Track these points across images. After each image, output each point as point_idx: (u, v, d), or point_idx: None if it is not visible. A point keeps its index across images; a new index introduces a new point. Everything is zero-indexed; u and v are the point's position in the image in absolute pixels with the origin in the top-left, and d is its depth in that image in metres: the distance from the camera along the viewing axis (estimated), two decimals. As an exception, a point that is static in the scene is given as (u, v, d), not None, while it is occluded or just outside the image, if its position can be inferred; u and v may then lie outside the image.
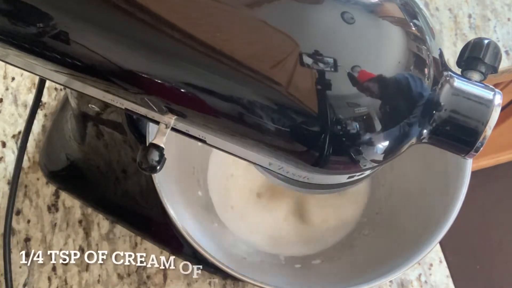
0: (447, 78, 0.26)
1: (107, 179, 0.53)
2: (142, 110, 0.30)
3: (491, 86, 0.26)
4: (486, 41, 0.27)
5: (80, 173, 0.55)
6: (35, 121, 0.51)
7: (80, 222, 0.54)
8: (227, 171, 0.55)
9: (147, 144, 0.28)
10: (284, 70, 0.23)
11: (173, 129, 0.29)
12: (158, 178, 0.41)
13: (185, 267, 0.51)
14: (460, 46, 0.61)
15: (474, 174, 0.44)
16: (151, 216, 0.52)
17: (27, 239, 0.53)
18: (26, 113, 0.58)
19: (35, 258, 0.52)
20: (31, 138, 0.56)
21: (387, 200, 0.51)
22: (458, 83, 0.26)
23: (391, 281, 0.53)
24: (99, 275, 0.52)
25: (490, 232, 1.24)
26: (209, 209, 0.53)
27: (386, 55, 0.24)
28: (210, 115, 0.25)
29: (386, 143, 0.25)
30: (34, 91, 0.55)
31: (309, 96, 0.23)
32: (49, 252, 0.52)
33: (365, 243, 0.50)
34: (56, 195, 0.55)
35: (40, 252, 0.52)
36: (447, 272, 0.53)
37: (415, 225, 0.45)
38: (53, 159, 0.55)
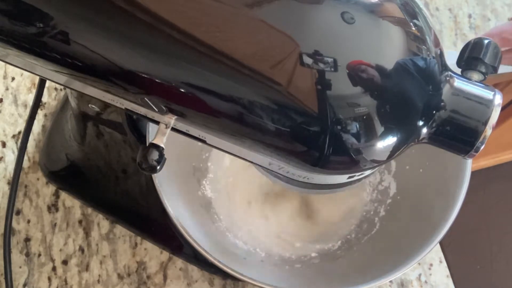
0: (447, 78, 0.26)
1: (107, 179, 0.53)
2: (142, 110, 0.30)
3: (491, 86, 0.26)
4: (486, 41, 0.27)
5: (80, 173, 0.55)
6: (35, 121, 0.51)
7: (80, 222, 0.54)
8: (227, 171, 0.55)
9: (147, 144, 0.28)
10: (284, 70, 0.23)
11: (173, 129, 0.29)
12: (158, 178, 0.41)
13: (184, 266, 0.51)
14: (460, 46, 0.61)
15: (474, 174, 0.44)
16: (151, 216, 0.52)
17: (27, 239, 0.53)
18: (26, 113, 0.58)
19: (35, 258, 0.52)
20: (31, 138, 0.56)
21: (387, 200, 0.52)
22: (458, 83, 0.26)
23: (391, 281, 0.53)
24: (99, 275, 0.52)
25: (490, 232, 1.24)
26: (209, 209, 0.53)
27: (386, 55, 0.24)
28: (210, 115, 0.26)
29: (386, 143, 0.25)
30: (34, 91, 0.55)
31: (309, 96, 0.23)
32: (49, 252, 0.52)
33: (365, 243, 0.50)
34: (56, 195, 0.55)
35: (40, 252, 0.52)
36: (447, 272, 0.53)
37: (415, 225, 0.45)
38: (53, 159, 0.55)
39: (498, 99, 0.25)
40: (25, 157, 0.55)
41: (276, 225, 0.53)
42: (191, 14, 0.24)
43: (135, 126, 0.43)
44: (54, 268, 0.52)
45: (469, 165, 0.42)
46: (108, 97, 0.30)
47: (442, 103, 0.25)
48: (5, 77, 0.59)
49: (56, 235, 0.53)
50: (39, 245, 0.53)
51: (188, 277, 0.52)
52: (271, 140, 0.25)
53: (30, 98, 0.58)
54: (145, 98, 0.27)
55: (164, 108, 0.27)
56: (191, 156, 0.53)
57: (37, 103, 0.45)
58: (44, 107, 0.58)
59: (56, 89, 0.59)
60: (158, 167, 0.28)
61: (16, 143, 0.57)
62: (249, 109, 0.24)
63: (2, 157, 0.56)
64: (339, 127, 0.23)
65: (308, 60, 0.23)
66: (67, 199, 0.54)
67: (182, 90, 0.25)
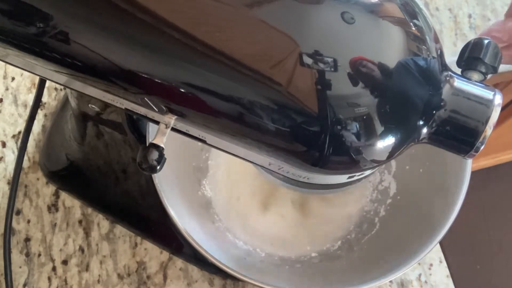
0: (447, 78, 0.26)
1: (107, 179, 0.53)
2: (142, 110, 0.30)
3: (491, 86, 0.26)
4: (486, 41, 0.27)
5: (80, 173, 0.55)
6: (35, 121, 0.51)
7: (80, 222, 0.54)
8: (227, 171, 0.55)
9: (147, 144, 0.28)
10: (284, 70, 0.23)
11: (173, 129, 0.29)
12: (158, 178, 0.41)
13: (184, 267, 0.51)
14: (460, 46, 0.61)
15: (474, 174, 0.44)
16: (151, 216, 0.52)
17: (27, 239, 0.53)
18: (26, 113, 0.58)
19: (35, 258, 0.52)
20: (31, 138, 0.56)
21: (387, 200, 0.52)
22: (458, 83, 0.26)
23: (391, 281, 0.53)
24: (99, 275, 0.52)
25: (490, 232, 1.24)
26: (209, 209, 0.53)
27: (386, 55, 0.24)
28: (210, 115, 0.26)
29: (386, 143, 0.25)
30: (34, 91, 0.55)
31: (309, 96, 0.23)
32: (49, 252, 0.52)
33: (365, 243, 0.50)
34: (56, 195, 0.55)
35: (40, 252, 0.52)
36: (447, 272, 0.53)
37: (415, 225, 0.45)
38: (53, 159, 0.55)
39: (498, 99, 0.25)
40: (25, 157, 0.55)
41: (276, 224, 0.53)
42: (191, 14, 0.24)
43: (135, 126, 0.43)
44: (54, 268, 0.52)
45: (469, 165, 0.42)
46: (108, 97, 0.30)
47: (442, 103, 0.25)
48: (5, 77, 0.59)
49: (56, 235, 0.53)
50: (39, 245, 0.53)
51: (188, 277, 0.52)
52: (271, 140, 0.25)
53: (30, 98, 0.58)
54: (145, 98, 0.27)
55: (164, 108, 0.27)
56: (191, 156, 0.53)
57: (37, 103, 0.45)
58: (44, 107, 0.58)
59: (56, 89, 0.59)
60: (158, 167, 0.28)
61: (16, 143, 0.57)
62: (249, 109, 0.24)
63: (2, 157, 0.56)
64: (339, 127, 0.23)
65: (308, 60, 0.23)
66: (67, 199, 0.54)
67: (182, 90, 0.25)
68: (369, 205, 0.53)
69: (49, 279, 0.52)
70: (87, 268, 0.52)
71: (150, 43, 0.25)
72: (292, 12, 0.23)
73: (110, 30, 0.25)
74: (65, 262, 0.52)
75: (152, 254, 0.53)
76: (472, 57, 0.27)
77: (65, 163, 0.55)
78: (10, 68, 0.59)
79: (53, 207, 0.54)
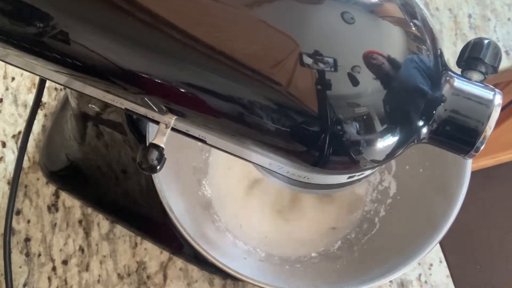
0: (447, 78, 0.26)
1: (107, 179, 0.53)
2: (142, 110, 0.30)
3: (491, 86, 0.26)
4: (486, 41, 0.27)
5: (80, 173, 0.55)
6: (35, 121, 0.51)
7: (80, 222, 0.54)
8: (227, 171, 0.55)
9: (147, 144, 0.28)
10: (284, 70, 0.23)
11: (173, 129, 0.29)
12: (158, 178, 0.41)
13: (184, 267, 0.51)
14: (460, 46, 0.61)
15: (474, 174, 0.44)
16: (151, 216, 0.52)
17: (27, 239, 0.53)
18: (26, 113, 0.58)
19: (35, 258, 0.52)
20: (31, 138, 0.56)
21: (387, 200, 0.52)
22: (458, 83, 0.26)
23: (391, 281, 0.53)
24: (99, 275, 0.52)
25: (490, 232, 1.24)
26: (209, 209, 0.53)
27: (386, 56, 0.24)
28: (210, 115, 0.26)
29: (386, 143, 0.25)
30: (34, 91, 0.55)
31: (309, 96, 0.23)
32: (49, 252, 0.52)
33: (365, 243, 0.50)
34: (56, 195, 0.55)
35: (40, 252, 0.52)
36: (447, 272, 0.53)
37: (415, 225, 0.45)
38: (53, 159, 0.55)
39: (498, 99, 0.25)
40: (25, 157, 0.55)
41: (277, 224, 0.53)
42: (191, 14, 0.24)
43: (135, 126, 0.43)
44: (54, 268, 0.52)
45: (469, 165, 0.42)
46: (108, 97, 0.30)
47: (442, 103, 0.25)
48: (5, 77, 0.59)
49: (56, 235, 0.53)
50: (39, 245, 0.53)
51: (188, 277, 0.52)
52: (271, 140, 0.25)
53: (30, 98, 0.58)
54: (145, 98, 0.27)
55: (164, 108, 0.27)
56: (191, 156, 0.53)
57: (37, 103, 0.45)
58: (44, 107, 0.58)
59: (56, 89, 0.59)
60: (158, 167, 0.28)
61: (16, 143, 0.57)
62: (249, 109, 0.24)
63: (2, 157, 0.56)
64: (339, 127, 0.23)
65: (308, 60, 0.23)
66: (67, 199, 0.54)
67: (182, 90, 0.25)
68: (369, 205, 0.53)
69: (49, 279, 0.52)
70: (87, 268, 0.52)
71: (150, 43, 0.25)
72: (292, 12, 0.23)
73: (110, 30, 0.25)
74: (65, 262, 0.52)
75: (152, 254, 0.53)
76: (472, 57, 0.27)
77: (65, 163, 0.55)
78: (10, 68, 0.59)
79: (53, 207, 0.54)
